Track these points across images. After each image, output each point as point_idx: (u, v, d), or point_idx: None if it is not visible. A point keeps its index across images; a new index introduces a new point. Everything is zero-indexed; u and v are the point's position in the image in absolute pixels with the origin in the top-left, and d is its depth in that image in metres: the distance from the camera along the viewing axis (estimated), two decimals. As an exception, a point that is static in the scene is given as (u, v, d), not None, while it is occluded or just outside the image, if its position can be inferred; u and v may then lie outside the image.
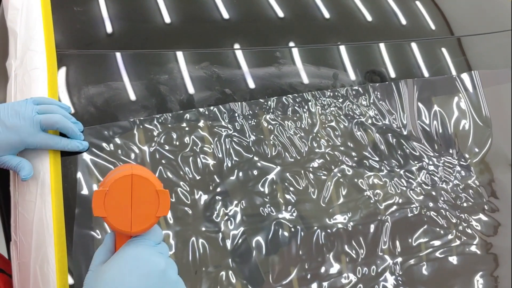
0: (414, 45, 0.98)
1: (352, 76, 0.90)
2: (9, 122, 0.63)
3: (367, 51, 0.93)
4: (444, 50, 1.01)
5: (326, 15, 0.94)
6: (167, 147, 0.73)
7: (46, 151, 0.68)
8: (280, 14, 0.90)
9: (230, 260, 0.71)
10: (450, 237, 0.85)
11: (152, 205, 0.51)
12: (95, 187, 0.69)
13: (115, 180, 0.50)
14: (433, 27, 1.03)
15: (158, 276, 0.50)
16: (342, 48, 0.91)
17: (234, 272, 0.70)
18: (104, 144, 0.70)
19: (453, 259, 0.84)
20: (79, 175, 0.68)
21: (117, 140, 0.71)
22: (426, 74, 0.96)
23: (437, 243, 0.83)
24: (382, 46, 0.95)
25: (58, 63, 0.74)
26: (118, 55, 0.77)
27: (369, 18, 0.97)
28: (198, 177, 0.73)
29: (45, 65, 0.73)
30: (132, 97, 0.75)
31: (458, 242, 0.85)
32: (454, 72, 0.98)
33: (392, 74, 0.93)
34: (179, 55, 0.80)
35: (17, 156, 0.65)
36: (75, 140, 0.68)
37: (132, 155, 0.71)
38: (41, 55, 0.73)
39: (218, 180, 0.74)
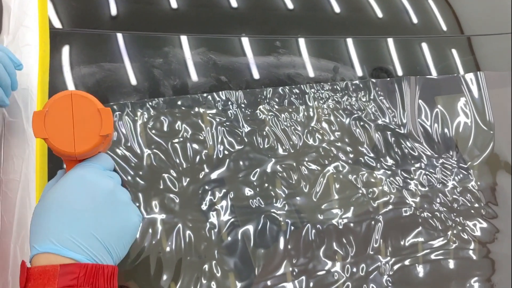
0: (420, 42, 0.95)
1: (353, 70, 0.87)
2: None
3: (369, 46, 0.91)
4: (452, 49, 0.98)
5: (331, 7, 0.92)
6: (157, 133, 0.71)
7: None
8: (283, 2, 0.88)
9: (215, 251, 0.69)
10: (444, 240, 0.83)
11: (94, 124, 0.49)
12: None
13: (54, 100, 0.49)
14: (442, 25, 1.01)
15: (105, 196, 0.48)
16: (344, 42, 0.89)
17: (219, 264, 0.69)
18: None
19: (446, 263, 0.82)
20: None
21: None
22: (432, 72, 0.93)
23: (430, 245, 0.81)
24: (386, 41, 0.92)
25: (50, 41, 0.72)
26: (112, 36, 0.75)
27: (377, 13, 0.95)
28: (187, 165, 0.71)
29: (38, 42, 0.71)
30: (124, 79, 0.73)
31: (452, 246, 0.83)
32: (461, 72, 0.96)
33: (395, 71, 0.90)
34: (175, 39, 0.78)
35: None
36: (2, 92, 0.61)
37: (123, 139, 0.69)
38: (33, 32, 0.72)
39: (208, 169, 0.72)
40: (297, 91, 0.81)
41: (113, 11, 0.77)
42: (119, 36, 0.76)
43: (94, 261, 0.45)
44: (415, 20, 0.98)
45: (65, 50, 0.73)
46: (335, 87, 0.84)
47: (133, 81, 0.73)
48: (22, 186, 0.65)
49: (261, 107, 0.78)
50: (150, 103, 0.72)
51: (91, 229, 0.46)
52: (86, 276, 0.44)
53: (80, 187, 0.48)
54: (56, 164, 0.66)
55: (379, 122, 0.85)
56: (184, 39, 0.78)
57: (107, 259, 0.46)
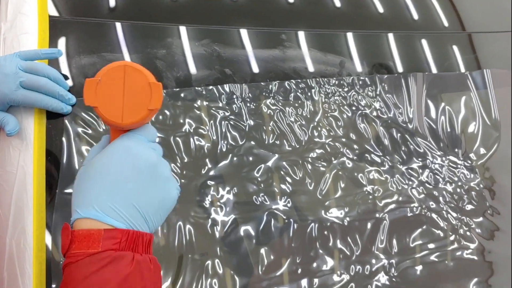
0: (421, 39, 0.94)
1: (360, 65, 0.85)
2: None
3: (376, 42, 0.89)
4: (454, 46, 0.97)
5: (337, 1, 0.90)
6: (159, 126, 0.69)
7: (30, 122, 0.64)
8: (289, -5, 0.86)
9: (218, 248, 0.67)
10: (449, 239, 0.81)
11: (144, 97, 0.49)
12: (80, 161, 0.65)
13: (108, 70, 0.49)
14: (444, 21, 0.99)
15: (148, 169, 0.49)
16: (351, 36, 0.87)
17: (221, 261, 0.67)
18: (93, 117, 0.66)
19: (452, 264, 0.81)
20: (64, 147, 0.64)
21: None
22: (433, 70, 0.92)
23: (435, 245, 0.80)
24: (387, 38, 0.90)
25: (50, 29, 0.69)
26: (114, 25, 0.73)
27: (378, 9, 0.93)
28: (190, 159, 0.69)
29: (36, 30, 0.69)
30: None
31: (457, 245, 0.82)
32: (462, 69, 0.94)
33: (400, 67, 0.88)
34: (179, 30, 0.76)
35: (1, 112, 0.63)
36: (59, 101, 0.65)
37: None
38: (32, 20, 0.69)
39: (210, 164, 0.70)
40: (303, 86, 0.79)
41: (116, 0, 0.75)
42: (121, 25, 0.73)
43: (132, 229, 0.47)
44: (416, 16, 0.96)
45: (65, 39, 0.70)
46: (341, 82, 0.82)
47: (135, 72, 0.71)
48: (18, 179, 0.62)
49: (266, 101, 0.76)
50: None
51: (132, 199, 0.48)
52: (128, 242, 0.46)
53: (125, 158, 0.49)
54: (54, 156, 0.64)
55: (385, 118, 0.83)
56: (188, 30, 0.76)
57: (144, 228, 0.48)
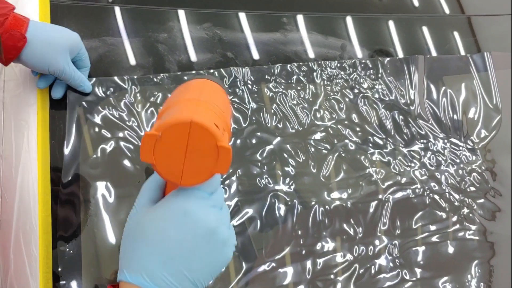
0: (421, 24, 0.94)
1: (361, 48, 0.85)
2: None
3: (377, 29, 0.89)
4: (454, 31, 0.97)
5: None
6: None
7: (34, 106, 0.64)
8: (289, -22, 0.86)
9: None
10: (451, 221, 0.82)
11: (209, 159, 0.43)
12: (84, 143, 0.65)
13: (171, 125, 0.42)
14: (446, 9, 0.99)
15: (206, 235, 0.45)
16: (352, 19, 0.87)
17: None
18: (95, 101, 0.67)
19: (454, 244, 0.81)
20: (67, 132, 0.64)
21: (110, 99, 0.67)
22: (433, 54, 0.92)
23: (438, 226, 0.80)
24: (387, 23, 0.90)
25: (51, 13, 0.69)
26: (115, 9, 0.73)
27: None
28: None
29: (38, 14, 0.69)
30: (128, 54, 0.71)
31: (459, 226, 0.82)
32: (462, 53, 0.94)
33: (396, 53, 0.88)
34: (180, 13, 0.75)
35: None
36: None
37: (124, 116, 0.67)
38: (33, 4, 0.69)
39: (214, 147, 0.70)
40: (305, 68, 0.79)
41: (116, -16, 0.75)
42: (122, 9, 0.73)
43: None
44: (416, 3, 0.96)
45: (66, 23, 0.70)
46: (343, 65, 0.82)
47: (137, 56, 0.71)
48: (23, 162, 0.63)
49: (268, 84, 0.76)
50: (155, 79, 0.70)
51: (184, 269, 0.45)
52: None
53: (181, 223, 0.45)
54: (59, 140, 0.64)
55: (387, 100, 0.83)
56: (189, 14, 0.76)
57: None
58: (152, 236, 0.45)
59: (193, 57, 0.74)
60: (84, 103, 0.66)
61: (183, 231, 0.45)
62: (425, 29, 0.93)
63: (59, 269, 0.60)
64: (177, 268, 0.45)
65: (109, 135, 0.66)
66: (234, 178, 0.70)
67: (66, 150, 0.64)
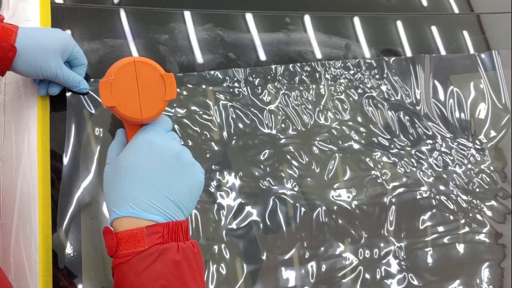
0: (430, 24, 0.92)
1: (365, 48, 0.84)
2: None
3: (378, 28, 0.87)
4: (463, 30, 0.95)
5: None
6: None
7: (34, 109, 0.64)
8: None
9: (224, 233, 0.67)
10: (459, 223, 0.80)
11: (158, 89, 0.50)
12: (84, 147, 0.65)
13: (119, 68, 0.50)
14: (455, 8, 0.97)
15: (173, 158, 0.51)
16: (356, 19, 0.86)
17: (228, 246, 0.66)
18: (96, 102, 0.66)
19: (461, 247, 0.79)
20: (67, 135, 0.64)
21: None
22: (442, 53, 0.90)
23: (445, 228, 0.79)
24: (395, 23, 0.89)
25: (52, 16, 0.69)
26: (115, 11, 0.72)
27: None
28: (195, 144, 0.69)
29: (38, 17, 0.68)
30: (129, 56, 0.70)
31: (467, 229, 0.80)
32: (471, 51, 0.93)
33: (404, 53, 0.87)
34: (182, 14, 0.75)
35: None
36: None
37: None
38: (34, 7, 0.69)
39: (216, 148, 0.69)
40: (308, 69, 0.78)
41: (117, -15, 0.74)
42: (123, 11, 0.73)
43: (170, 220, 0.49)
44: (424, 2, 0.95)
45: (67, 25, 0.70)
46: (347, 64, 0.81)
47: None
48: (23, 165, 0.62)
49: (271, 85, 0.75)
50: (156, 80, 0.69)
51: (164, 191, 0.49)
52: (169, 233, 0.48)
53: (149, 152, 0.50)
54: (59, 143, 0.64)
55: (393, 100, 0.82)
56: (190, 14, 0.75)
57: (180, 216, 0.50)
58: (128, 169, 0.50)
59: (194, 58, 0.73)
60: (86, 105, 0.66)
61: (153, 157, 0.50)
62: (433, 28, 0.92)
63: (59, 273, 0.59)
64: (158, 193, 0.49)
65: (109, 137, 0.65)
66: (236, 180, 0.69)
67: (67, 154, 0.63)
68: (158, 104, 0.51)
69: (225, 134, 0.70)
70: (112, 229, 0.50)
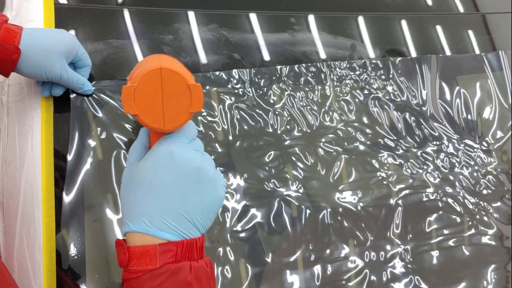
0: (435, 24, 0.91)
1: (370, 48, 0.83)
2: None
3: (389, 28, 0.87)
4: (468, 30, 0.94)
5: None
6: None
7: (38, 110, 0.64)
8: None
9: (229, 235, 0.66)
10: (466, 225, 0.79)
11: (184, 100, 0.47)
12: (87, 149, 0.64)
13: (143, 74, 0.46)
14: (460, 8, 0.96)
15: (193, 173, 0.49)
16: (361, 19, 0.85)
17: (232, 248, 0.66)
18: (100, 104, 0.66)
19: (468, 249, 0.78)
20: (71, 136, 0.64)
21: (115, 102, 0.66)
22: (447, 54, 0.89)
23: (452, 230, 0.78)
24: (400, 23, 0.88)
25: (55, 17, 0.69)
26: (119, 11, 0.72)
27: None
28: (199, 146, 0.68)
29: (42, 18, 0.68)
30: (133, 56, 0.70)
31: (474, 231, 0.80)
32: (477, 51, 0.92)
33: (409, 53, 0.86)
34: (186, 15, 0.74)
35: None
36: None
37: (130, 116, 0.66)
38: (38, 7, 0.69)
39: (220, 150, 0.69)
40: (314, 69, 0.77)
41: (121, -15, 0.74)
42: (127, 11, 0.72)
43: (184, 238, 0.48)
44: (429, 1, 0.94)
45: (71, 26, 0.69)
46: (353, 65, 0.80)
47: (142, 58, 0.70)
48: (27, 167, 0.62)
49: (276, 85, 0.74)
50: (160, 81, 0.69)
51: (180, 210, 0.48)
52: (183, 252, 0.47)
53: (169, 166, 0.48)
54: (63, 145, 0.63)
55: (399, 101, 0.81)
56: (195, 15, 0.75)
57: (195, 233, 0.49)
58: (145, 182, 0.48)
59: (199, 58, 0.72)
60: (90, 106, 0.65)
61: (173, 172, 0.48)
62: (439, 28, 0.91)
63: (63, 275, 0.59)
64: (174, 211, 0.48)
65: (113, 139, 0.65)
66: (241, 181, 0.69)
67: (70, 155, 0.63)
68: (182, 115, 0.48)
69: (229, 135, 0.70)
70: (125, 242, 0.49)
